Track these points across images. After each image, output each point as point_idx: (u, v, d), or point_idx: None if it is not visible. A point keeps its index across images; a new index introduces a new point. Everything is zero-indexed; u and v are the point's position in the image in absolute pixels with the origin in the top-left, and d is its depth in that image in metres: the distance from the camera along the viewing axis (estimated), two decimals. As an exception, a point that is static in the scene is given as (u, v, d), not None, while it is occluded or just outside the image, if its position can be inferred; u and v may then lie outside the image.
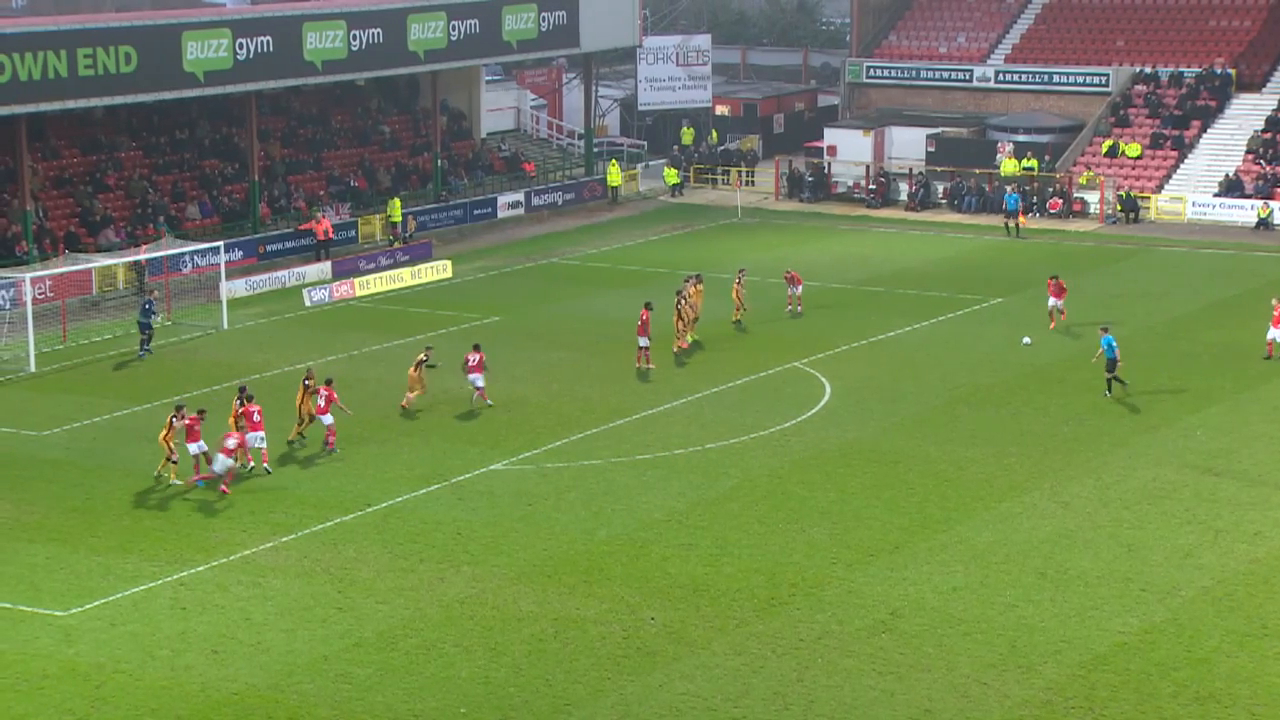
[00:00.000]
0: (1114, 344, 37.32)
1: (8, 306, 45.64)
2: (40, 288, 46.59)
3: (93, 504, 31.39)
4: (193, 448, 32.17)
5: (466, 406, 37.49)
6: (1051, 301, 43.79)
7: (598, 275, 52.85)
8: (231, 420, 33.58)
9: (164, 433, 32.42)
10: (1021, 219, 59.30)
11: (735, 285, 45.43)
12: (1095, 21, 72.30)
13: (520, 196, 63.50)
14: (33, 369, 41.32)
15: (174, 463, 32.36)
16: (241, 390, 33.94)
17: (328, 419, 34.33)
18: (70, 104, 50.19)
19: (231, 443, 31.74)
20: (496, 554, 28.58)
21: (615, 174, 66.69)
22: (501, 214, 62.45)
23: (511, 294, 49.93)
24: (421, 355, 37.86)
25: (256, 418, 32.90)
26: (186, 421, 32.29)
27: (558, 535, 29.50)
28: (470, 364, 37.30)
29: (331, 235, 54.96)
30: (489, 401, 37.55)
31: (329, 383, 34.94)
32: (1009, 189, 61.73)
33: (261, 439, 33.01)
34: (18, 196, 50.64)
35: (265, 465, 33.13)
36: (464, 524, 30.02)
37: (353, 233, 57.52)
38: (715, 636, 25.23)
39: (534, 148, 70.30)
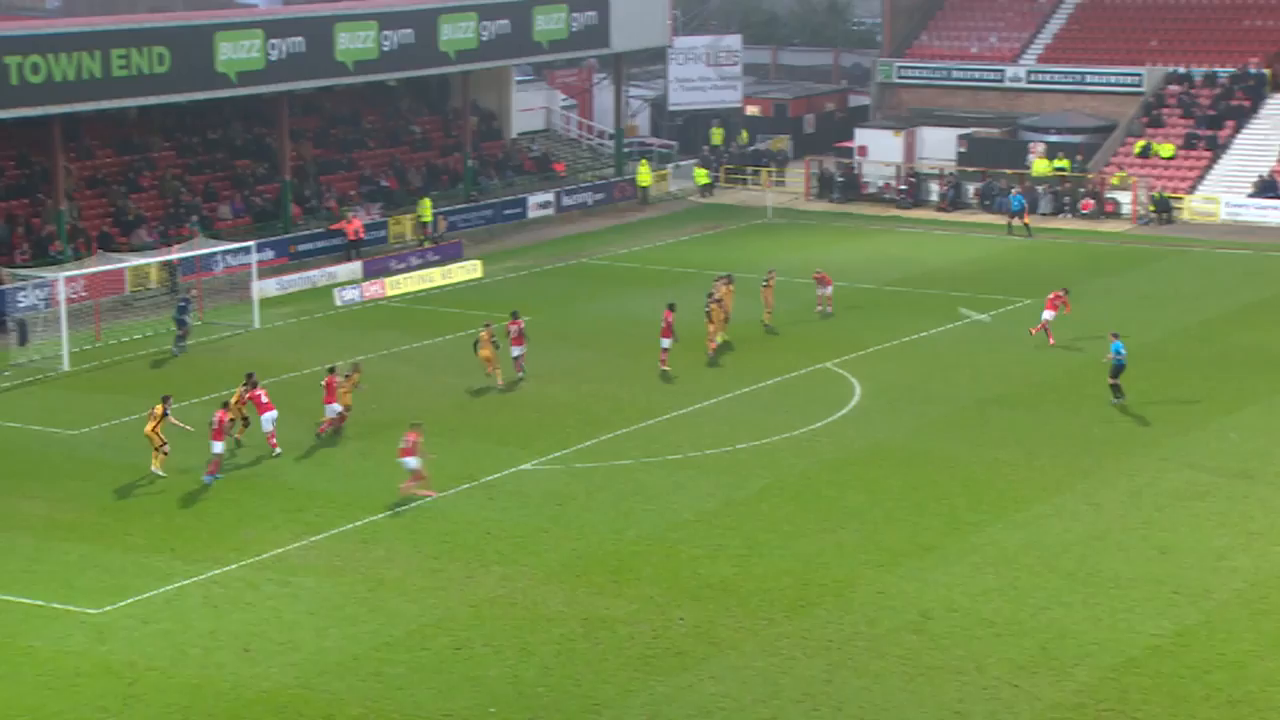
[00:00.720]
0: (1122, 350, 36.73)
1: (42, 306, 45.85)
2: (74, 287, 46.80)
3: (126, 502, 31.56)
4: (217, 446, 32.34)
5: (496, 405, 37.58)
6: (1048, 314, 42.10)
7: (628, 275, 52.84)
8: (235, 404, 33.87)
9: (151, 424, 32.57)
10: (1028, 219, 59.03)
11: (764, 287, 45.40)
12: (1128, 21, 71.93)
13: (550, 197, 63.47)
14: (66, 368, 41.56)
15: (164, 453, 32.54)
16: (249, 377, 34.26)
17: (334, 408, 34.58)
18: (104, 104, 50.47)
19: (407, 443, 31.28)
20: (526, 554, 28.62)
21: (645, 174, 66.66)
22: (532, 214, 62.41)
23: (542, 294, 49.98)
24: (483, 333, 38.72)
25: (265, 399, 33.50)
26: (216, 418, 32.48)
27: (587, 535, 29.52)
28: (511, 335, 38.93)
29: (362, 235, 55.14)
30: (522, 373, 38.71)
31: (332, 371, 35.47)
32: (1013, 189, 61.50)
33: (273, 420, 33.62)
34: (52, 196, 50.93)
35: (275, 449, 33.81)
36: (494, 524, 30.07)
37: (383, 233, 57.66)
38: (745, 637, 25.21)
39: (564, 148, 70.35)
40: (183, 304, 43.48)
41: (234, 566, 28.08)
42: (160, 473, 32.62)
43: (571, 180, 66.33)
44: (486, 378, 38.89)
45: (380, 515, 30.58)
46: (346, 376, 35.87)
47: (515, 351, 39.31)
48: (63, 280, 43.59)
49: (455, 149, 64.11)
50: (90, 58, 48.73)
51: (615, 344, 43.48)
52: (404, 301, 49.82)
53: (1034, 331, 42.49)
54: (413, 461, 31.17)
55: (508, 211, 61.84)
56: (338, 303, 49.06)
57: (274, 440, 33.96)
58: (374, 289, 50.40)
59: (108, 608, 26.42)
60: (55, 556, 28.62)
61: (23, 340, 43.53)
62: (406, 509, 30.82)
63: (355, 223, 55.22)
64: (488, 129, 67.12)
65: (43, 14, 59.24)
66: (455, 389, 38.90)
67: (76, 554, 28.75)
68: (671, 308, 40.82)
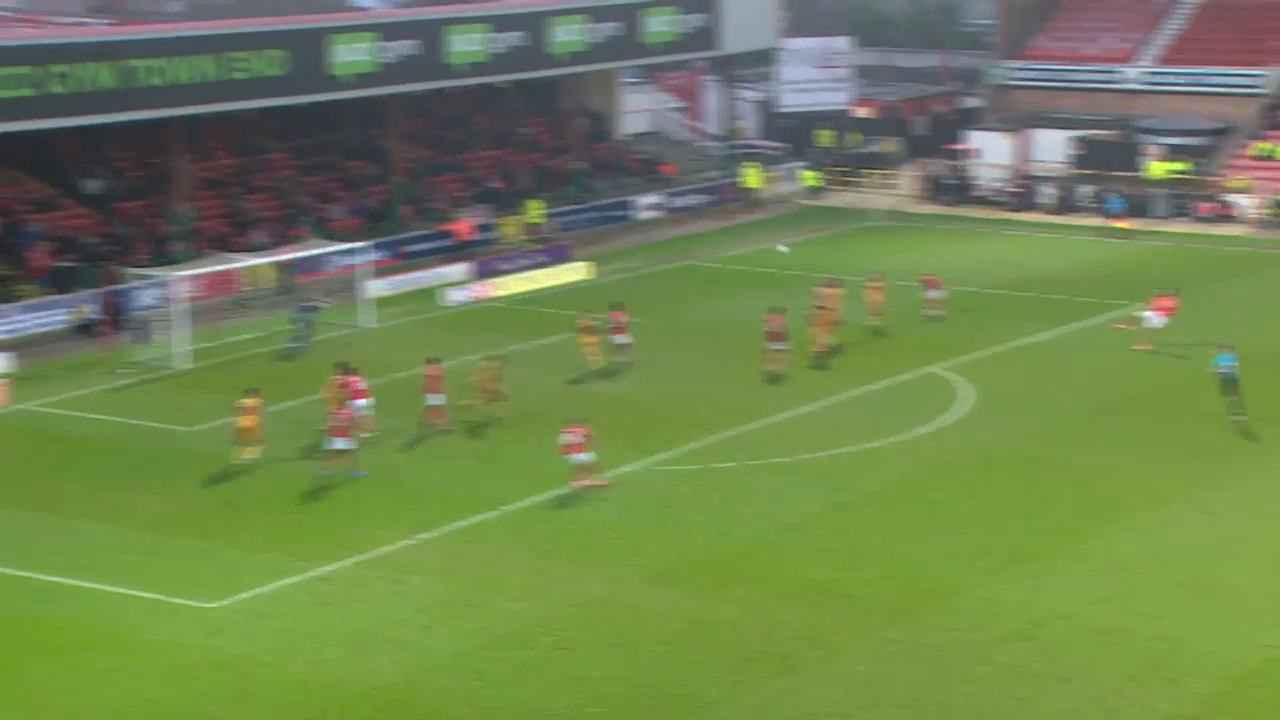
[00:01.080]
0: (1229, 362, 35.15)
1: (161, 305, 46.63)
2: (191, 286, 47.60)
3: (240, 499, 32.09)
4: (339, 442, 32.81)
5: (604, 406, 37.77)
6: (1158, 319, 41.22)
7: (734, 278, 52.68)
8: (330, 394, 34.64)
9: (249, 419, 33.35)
10: (1124, 223, 58.06)
11: (870, 289, 45.09)
12: (1249, 22, 70.44)
13: (658, 198, 63.47)
14: (183, 366, 42.33)
15: (255, 446, 33.38)
16: (341, 365, 35.04)
17: (435, 399, 35.26)
18: (223, 107, 51.29)
19: (571, 438, 31.63)
20: (631, 555, 28.70)
21: (753, 176, 66.49)
22: (640, 216, 62.43)
23: (649, 295, 50.05)
24: (589, 321, 40.09)
25: (360, 385, 34.39)
26: (336, 415, 32.90)
27: (693, 537, 29.53)
28: (612, 325, 40.37)
29: (476, 235, 55.50)
30: (625, 360, 39.84)
31: (433, 361, 36.33)
32: (1110, 193, 60.52)
33: (367, 405, 34.32)
34: (172, 198, 51.88)
35: (372, 431, 34.50)
36: (600, 524, 30.19)
37: (492, 234, 58.05)
38: (850, 641, 25.07)
39: (673, 150, 70.38)
40: (309, 306, 44.22)
41: (344, 563, 28.44)
42: (252, 458, 33.33)
43: (680, 182, 66.30)
44: (587, 362, 39.45)
45: (488, 514, 30.80)
46: (485, 369, 36.54)
47: (617, 340, 40.16)
48: (180, 279, 44.31)
49: (564, 151, 64.40)
50: (209, 61, 49.63)
51: (722, 346, 43.38)
52: (512, 302, 50.14)
53: (1138, 348, 41.71)
54: (583, 457, 31.48)
55: (615, 213, 61.87)
56: (446, 303, 49.51)
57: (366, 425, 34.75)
58: (482, 290, 50.78)
59: (222, 602, 26.87)
60: (172, 551, 29.18)
61: (142, 338, 44.47)
62: (511, 508, 31.02)
63: (467, 224, 55.59)
64: (596, 131, 67.32)
65: (167, 18, 60.30)
66: (561, 390, 39.09)
67: (192, 549, 29.29)
68: (778, 311, 40.70)
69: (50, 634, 25.69)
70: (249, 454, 33.34)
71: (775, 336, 40.17)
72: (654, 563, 28.36)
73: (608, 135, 67.88)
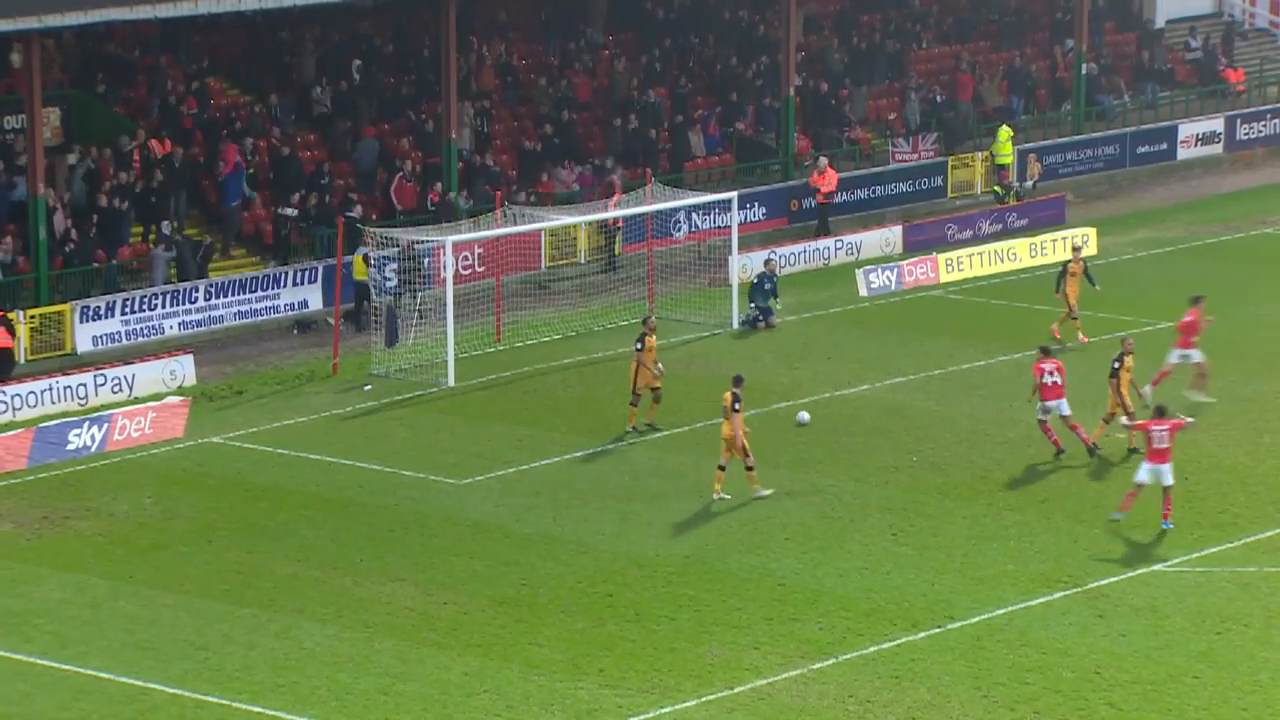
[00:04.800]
0: None
1: (421, 288, 47.32)
2: (465, 258, 48.56)
3: (533, 594, 32.66)
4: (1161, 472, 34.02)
5: (1109, 467, 37.25)
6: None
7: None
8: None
9: (737, 422, 35.49)
10: None
11: None
12: None
13: (1218, 125, 62.69)
14: (451, 383, 43.48)
15: (751, 470, 35.45)
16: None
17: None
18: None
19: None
20: (1161, 711, 28.25)
21: (1378, 89, 64.87)
22: (1184, 154, 61.93)
23: (1195, 285, 48.96)
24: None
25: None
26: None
27: (1264, 687, 28.90)
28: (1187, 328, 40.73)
29: (831, 196, 53.91)
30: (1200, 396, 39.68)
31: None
32: None
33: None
34: (443, 105, 51.69)
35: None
36: (1108, 657, 29.85)
37: (939, 179, 57.84)
38: None
39: (1245, 46, 69.01)
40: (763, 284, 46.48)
41: (692, 703, 28.62)
42: (722, 495, 35.58)
43: (1254, 98, 65.10)
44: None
45: (920, 634, 30.70)
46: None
47: (1181, 358, 40.39)
48: (449, 247, 44.98)
49: (1059, 45, 63.73)
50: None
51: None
52: (966, 292, 49.90)
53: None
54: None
55: (1143, 149, 61.29)
56: (863, 291, 49.55)
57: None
58: (920, 271, 50.65)
59: (503, 760, 27.62)
60: (428, 672, 29.82)
61: (391, 339, 45.57)
62: (958, 625, 30.85)
63: (826, 176, 54.07)
64: (1121, 13, 66.47)
65: None
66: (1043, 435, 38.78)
67: (458, 670, 29.89)
68: None
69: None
70: (754, 485, 35.82)
71: None
72: (1193, 725, 27.90)
73: (1136, 20, 66.93)
